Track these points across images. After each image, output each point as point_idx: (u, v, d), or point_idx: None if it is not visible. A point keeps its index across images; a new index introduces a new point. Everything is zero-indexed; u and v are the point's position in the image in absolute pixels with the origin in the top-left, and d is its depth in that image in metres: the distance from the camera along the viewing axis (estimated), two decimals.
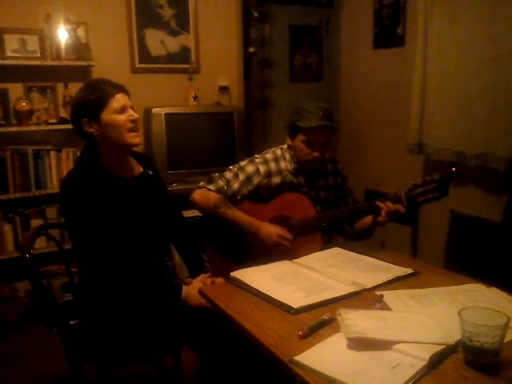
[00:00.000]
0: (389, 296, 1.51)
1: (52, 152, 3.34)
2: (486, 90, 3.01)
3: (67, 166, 3.36)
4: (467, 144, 3.14)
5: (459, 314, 1.15)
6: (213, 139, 3.69)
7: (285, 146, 2.20)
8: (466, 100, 3.13)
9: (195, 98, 3.76)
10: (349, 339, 1.22)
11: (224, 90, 4.02)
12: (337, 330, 1.29)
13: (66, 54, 3.32)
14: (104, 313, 1.81)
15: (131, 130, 1.82)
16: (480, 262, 2.53)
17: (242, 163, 2.17)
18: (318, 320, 1.35)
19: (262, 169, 2.14)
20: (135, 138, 1.84)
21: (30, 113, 3.30)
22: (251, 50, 4.03)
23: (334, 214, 2.08)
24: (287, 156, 2.18)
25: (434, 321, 1.31)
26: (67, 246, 1.92)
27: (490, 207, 3.10)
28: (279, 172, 2.15)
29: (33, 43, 3.31)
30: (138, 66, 3.72)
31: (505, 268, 2.49)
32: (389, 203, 1.97)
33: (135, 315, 1.79)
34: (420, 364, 1.12)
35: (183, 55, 3.88)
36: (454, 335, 1.20)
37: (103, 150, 1.84)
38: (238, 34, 4.04)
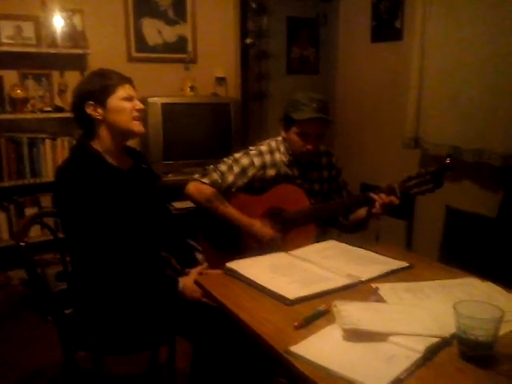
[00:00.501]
0: (384, 289, 1.51)
1: (47, 140, 3.32)
2: (483, 85, 3.02)
3: (62, 154, 3.34)
4: (463, 139, 3.15)
5: (454, 307, 1.15)
6: (209, 130, 3.68)
7: (279, 138, 2.19)
8: (463, 95, 3.14)
9: (192, 88, 3.75)
10: (344, 330, 1.23)
11: (221, 80, 4.00)
12: (332, 321, 1.30)
13: (62, 42, 3.30)
14: (98, 302, 1.81)
15: (136, 118, 1.83)
16: (475, 257, 2.54)
17: (237, 155, 2.16)
18: (314, 311, 1.35)
19: (256, 161, 2.13)
20: (139, 127, 1.85)
21: (25, 100, 3.27)
22: (248, 41, 4.02)
23: (328, 205, 2.08)
24: (282, 148, 2.17)
25: (429, 313, 1.32)
26: (62, 235, 1.90)
27: (485, 202, 3.11)
28: (274, 164, 2.15)
29: (28, 30, 3.28)
30: (134, 54, 3.71)
31: (500, 263, 2.50)
32: (382, 195, 1.96)
33: (130, 305, 1.78)
34: (415, 356, 1.12)
35: (180, 45, 3.86)
36: (448, 328, 1.21)
37: (103, 138, 1.82)
38: (236, 25, 4.02)
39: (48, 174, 3.32)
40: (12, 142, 3.22)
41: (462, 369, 1.11)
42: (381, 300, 1.44)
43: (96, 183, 1.74)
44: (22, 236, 1.80)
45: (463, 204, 3.26)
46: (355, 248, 1.90)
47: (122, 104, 1.79)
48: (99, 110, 1.79)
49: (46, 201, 3.36)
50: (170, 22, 3.81)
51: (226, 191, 2.10)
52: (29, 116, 3.25)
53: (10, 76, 3.30)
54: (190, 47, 3.88)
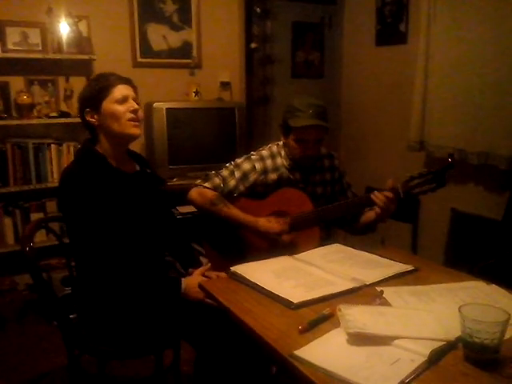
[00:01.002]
0: (389, 292, 1.51)
1: (53, 146, 3.33)
2: (488, 88, 3.01)
3: (68, 159, 3.35)
4: (469, 142, 3.14)
5: (459, 310, 1.15)
6: (214, 135, 3.69)
7: (281, 143, 2.20)
8: (468, 98, 3.13)
9: (196, 93, 3.76)
10: (349, 334, 1.22)
11: (225, 85, 4.00)
12: (337, 325, 1.29)
13: (68, 48, 3.31)
14: (103, 307, 1.81)
15: (131, 120, 1.80)
16: (480, 260, 2.53)
17: (239, 160, 2.17)
18: (318, 315, 1.35)
19: (258, 166, 2.13)
20: (134, 129, 1.82)
21: (31, 106, 3.29)
22: (253, 45, 4.03)
23: (331, 208, 2.07)
24: (283, 152, 2.18)
25: (434, 317, 1.31)
26: (67, 240, 1.91)
27: (490, 205, 3.10)
28: (276, 168, 2.15)
29: (34, 36, 3.30)
30: (139, 60, 3.72)
31: (505, 266, 2.49)
32: (380, 195, 1.95)
33: (134, 309, 1.78)
34: (420, 360, 1.12)
35: (185, 50, 3.87)
36: (453, 331, 1.20)
37: (104, 142, 1.83)
38: (240, 30, 4.03)
39: (54, 179, 3.33)
40: (18, 148, 3.23)
41: (467, 372, 1.10)
42: (385, 304, 1.44)
43: (101, 186, 1.74)
44: (27, 241, 1.80)
45: (468, 207, 3.24)
46: (360, 251, 1.89)
47: (115, 107, 1.78)
48: (95, 116, 1.80)
49: (52, 206, 3.37)
50: (175, 28, 3.83)
51: (228, 196, 2.10)
52: (35, 121, 3.27)
53: (16, 82, 3.32)
54: (194, 52, 3.89)
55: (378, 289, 1.53)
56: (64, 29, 3.29)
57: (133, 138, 1.86)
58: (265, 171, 2.14)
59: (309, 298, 1.46)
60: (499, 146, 2.97)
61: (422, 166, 3.54)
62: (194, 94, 3.76)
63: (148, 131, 3.45)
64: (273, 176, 2.14)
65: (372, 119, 4.09)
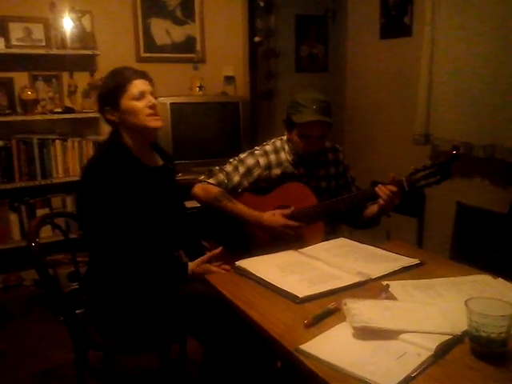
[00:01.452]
0: (394, 286, 1.50)
1: (57, 141, 3.34)
2: (493, 80, 2.98)
3: (73, 155, 3.37)
4: (475, 135, 3.12)
5: (466, 304, 1.14)
6: (218, 129, 3.68)
7: (284, 138, 2.19)
8: (473, 90, 3.10)
9: (200, 87, 3.75)
10: (354, 328, 1.22)
11: (229, 79, 4.00)
12: (342, 319, 1.29)
13: (71, 43, 3.31)
14: (112, 301, 1.81)
15: (150, 115, 1.83)
16: (486, 254, 2.52)
17: (242, 156, 2.17)
18: (324, 309, 1.35)
19: (262, 161, 2.13)
20: (155, 122, 1.85)
21: (36, 102, 3.30)
22: (257, 39, 4.01)
23: (335, 202, 2.06)
24: (287, 147, 2.17)
25: (441, 311, 1.31)
26: (73, 236, 1.91)
27: (496, 199, 3.08)
28: (279, 163, 2.14)
29: (38, 32, 3.30)
30: (143, 55, 3.71)
31: (511, 259, 2.48)
32: (384, 188, 1.94)
33: (143, 304, 1.79)
34: (426, 354, 1.12)
35: (188, 44, 3.86)
36: (460, 325, 1.20)
37: (126, 138, 1.86)
38: (244, 24, 4.01)
39: (59, 174, 3.34)
40: (23, 144, 3.23)
41: (473, 366, 1.10)
42: (391, 298, 1.44)
43: (124, 178, 1.76)
44: (33, 236, 1.81)
45: (474, 200, 3.22)
46: (365, 246, 1.89)
47: (134, 104, 1.81)
48: (115, 114, 1.82)
49: (57, 202, 3.38)
50: (178, 22, 3.82)
51: (232, 192, 2.10)
52: (39, 117, 3.27)
53: (21, 78, 3.32)
54: (198, 47, 3.88)
55: (384, 283, 1.53)
56: (67, 24, 3.29)
57: (154, 130, 1.89)
58: (269, 166, 2.13)
59: (314, 292, 1.46)
60: (506, 139, 2.94)
61: (427, 160, 3.49)
62: (197, 89, 3.76)
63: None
64: (277, 171, 2.14)
65: (377, 113, 4.07)
